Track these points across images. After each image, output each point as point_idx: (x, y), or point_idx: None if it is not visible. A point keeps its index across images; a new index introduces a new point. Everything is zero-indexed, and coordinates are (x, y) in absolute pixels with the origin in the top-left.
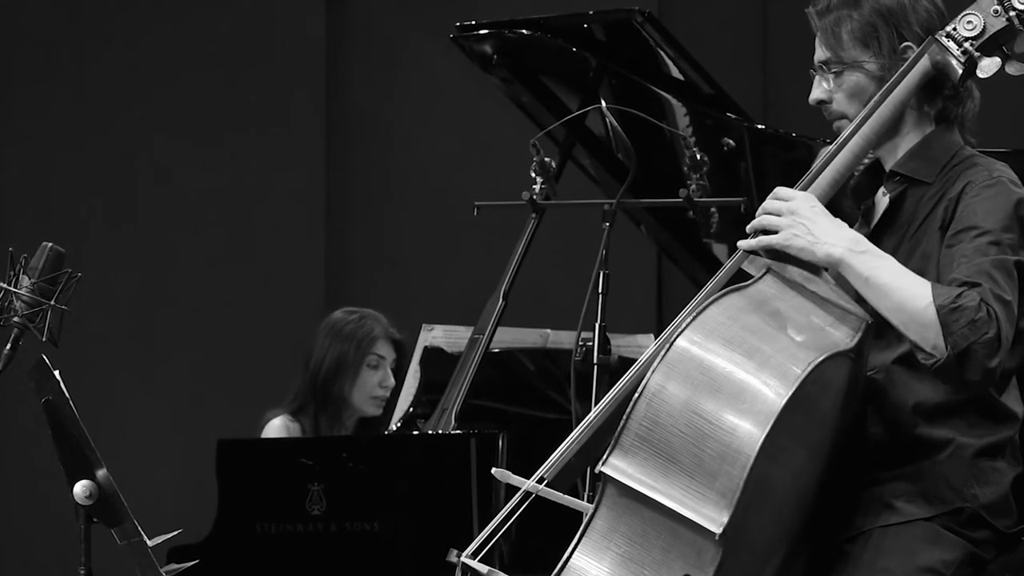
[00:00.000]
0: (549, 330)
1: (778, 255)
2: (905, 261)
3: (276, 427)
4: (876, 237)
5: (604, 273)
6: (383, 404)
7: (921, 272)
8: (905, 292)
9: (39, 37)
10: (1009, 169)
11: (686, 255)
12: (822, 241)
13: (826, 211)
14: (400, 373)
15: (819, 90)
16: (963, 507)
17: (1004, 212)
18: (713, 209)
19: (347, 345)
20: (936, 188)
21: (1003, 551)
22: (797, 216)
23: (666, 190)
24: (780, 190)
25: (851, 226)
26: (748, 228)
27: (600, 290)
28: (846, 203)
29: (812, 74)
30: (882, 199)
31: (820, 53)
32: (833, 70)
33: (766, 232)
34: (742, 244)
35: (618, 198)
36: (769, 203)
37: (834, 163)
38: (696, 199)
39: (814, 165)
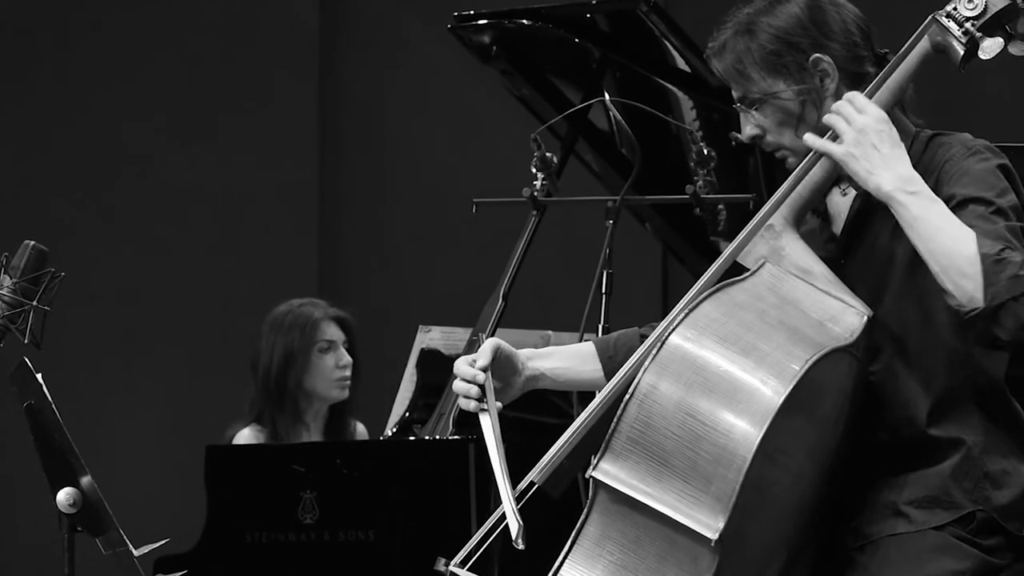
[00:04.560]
0: (551, 332)
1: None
2: (887, 254)
3: (247, 437)
4: (849, 236)
5: (607, 272)
6: (347, 384)
7: (910, 258)
8: (950, 238)
9: (19, 28)
10: (977, 139)
11: (692, 254)
12: (876, 172)
13: (894, 137)
14: (354, 352)
15: (749, 127)
16: (975, 512)
17: (994, 177)
18: (720, 206)
19: (291, 336)
20: None
21: (1020, 555)
22: (864, 135)
23: (672, 186)
24: (856, 96)
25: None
26: (824, 118)
27: (603, 290)
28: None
29: (737, 109)
30: (841, 199)
31: (734, 90)
32: (753, 106)
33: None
34: (807, 138)
35: (622, 195)
36: (844, 107)
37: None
38: (703, 196)
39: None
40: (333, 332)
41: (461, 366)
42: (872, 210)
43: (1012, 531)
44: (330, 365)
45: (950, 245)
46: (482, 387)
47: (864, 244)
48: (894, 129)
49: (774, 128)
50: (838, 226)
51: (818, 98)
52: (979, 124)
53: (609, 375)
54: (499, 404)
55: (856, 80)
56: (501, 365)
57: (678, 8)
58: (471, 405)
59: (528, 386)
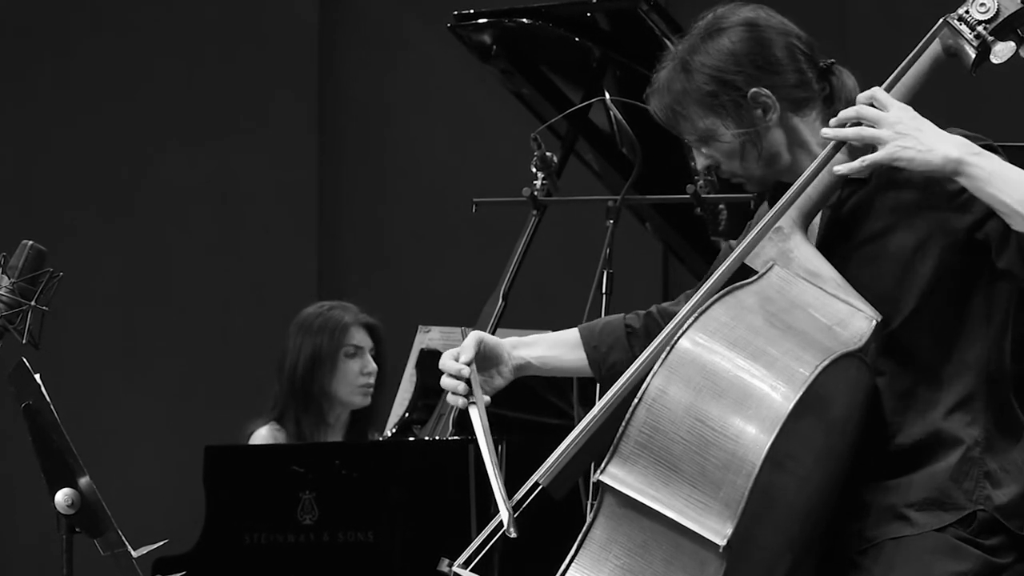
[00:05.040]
0: (551, 332)
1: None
2: (869, 264)
3: (264, 436)
4: (823, 250)
5: (608, 273)
6: (370, 392)
7: (899, 268)
8: None
9: (19, 28)
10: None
11: (693, 254)
12: (936, 148)
13: (924, 119)
14: (381, 360)
15: (701, 158)
16: (976, 512)
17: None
18: (721, 206)
19: (319, 338)
20: (875, 183)
21: (1022, 554)
22: (901, 125)
23: (672, 186)
24: (877, 94)
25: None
26: (838, 135)
27: (604, 290)
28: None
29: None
30: None
31: (673, 131)
32: (699, 144)
33: (861, 146)
34: (840, 169)
35: (622, 194)
36: (865, 111)
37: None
38: (704, 195)
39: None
40: (361, 338)
41: (446, 361)
42: (844, 222)
43: (1014, 530)
44: (355, 371)
45: None
46: (468, 381)
47: (837, 256)
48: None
49: (724, 160)
50: (811, 239)
51: (758, 134)
52: (981, 123)
53: (593, 364)
54: (487, 398)
55: (802, 103)
56: (486, 357)
57: (679, 7)
58: (459, 401)
59: (516, 375)
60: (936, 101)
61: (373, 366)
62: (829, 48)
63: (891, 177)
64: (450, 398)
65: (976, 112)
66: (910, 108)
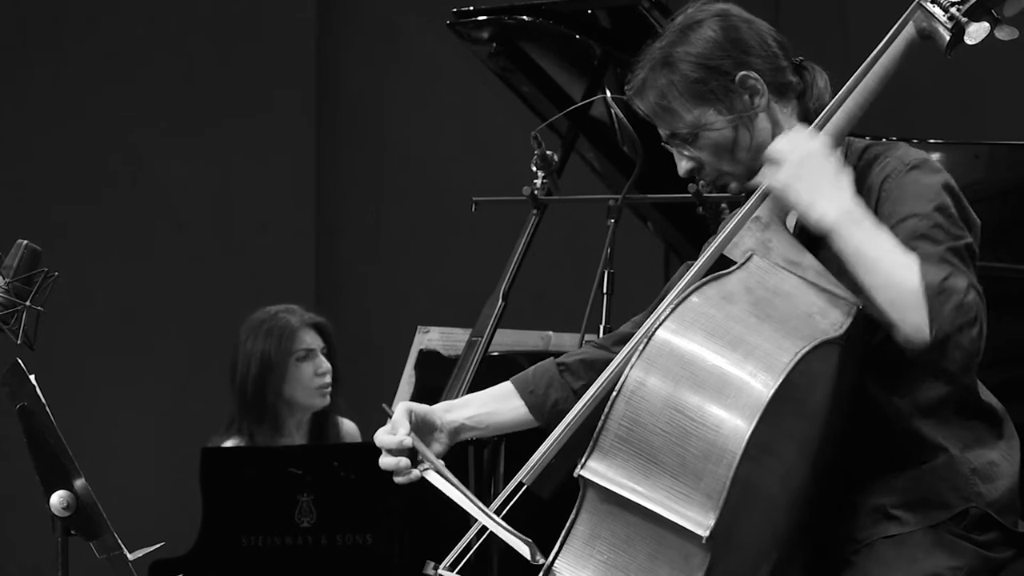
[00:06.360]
0: (551, 332)
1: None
2: (837, 267)
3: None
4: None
5: (609, 272)
6: (328, 391)
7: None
8: (893, 270)
9: (12, 23)
10: (915, 150)
11: (695, 253)
12: (816, 205)
13: (837, 166)
14: (333, 358)
15: (684, 161)
16: (968, 508)
17: (933, 193)
18: (724, 205)
19: (267, 345)
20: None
21: (1021, 551)
22: (804, 167)
23: (674, 185)
24: (796, 131)
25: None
26: (764, 155)
27: (605, 290)
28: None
29: (666, 146)
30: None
31: (661, 129)
32: (685, 140)
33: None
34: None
35: (624, 193)
36: (782, 143)
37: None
38: (706, 194)
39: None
40: (311, 339)
41: (384, 438)
42: (808, 230)
43: (1008, 526)
44: (308, 374)
45: (894, 278)
46: (412, 451)
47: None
48: (835, 159)
49: (710, 157)
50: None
51: (749, 119)
52: (981, 122)
53: (533, 409)
54: (440, 461)
55: (782, 91)
56: (419, 426)
57: (680, 4)
58: (413, 474)
59: (452, 439)
60: (937, 100)
61: (327, 365)
62: (830, 45)
63: (859, 180)
64: (398, 478)
65: (977, 111)
66: (827, 151)
